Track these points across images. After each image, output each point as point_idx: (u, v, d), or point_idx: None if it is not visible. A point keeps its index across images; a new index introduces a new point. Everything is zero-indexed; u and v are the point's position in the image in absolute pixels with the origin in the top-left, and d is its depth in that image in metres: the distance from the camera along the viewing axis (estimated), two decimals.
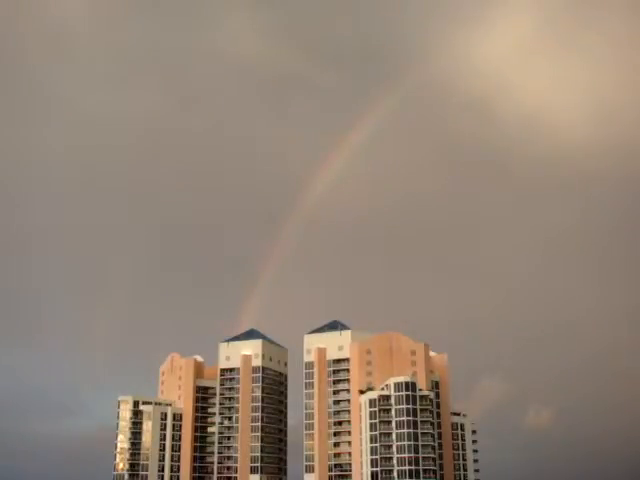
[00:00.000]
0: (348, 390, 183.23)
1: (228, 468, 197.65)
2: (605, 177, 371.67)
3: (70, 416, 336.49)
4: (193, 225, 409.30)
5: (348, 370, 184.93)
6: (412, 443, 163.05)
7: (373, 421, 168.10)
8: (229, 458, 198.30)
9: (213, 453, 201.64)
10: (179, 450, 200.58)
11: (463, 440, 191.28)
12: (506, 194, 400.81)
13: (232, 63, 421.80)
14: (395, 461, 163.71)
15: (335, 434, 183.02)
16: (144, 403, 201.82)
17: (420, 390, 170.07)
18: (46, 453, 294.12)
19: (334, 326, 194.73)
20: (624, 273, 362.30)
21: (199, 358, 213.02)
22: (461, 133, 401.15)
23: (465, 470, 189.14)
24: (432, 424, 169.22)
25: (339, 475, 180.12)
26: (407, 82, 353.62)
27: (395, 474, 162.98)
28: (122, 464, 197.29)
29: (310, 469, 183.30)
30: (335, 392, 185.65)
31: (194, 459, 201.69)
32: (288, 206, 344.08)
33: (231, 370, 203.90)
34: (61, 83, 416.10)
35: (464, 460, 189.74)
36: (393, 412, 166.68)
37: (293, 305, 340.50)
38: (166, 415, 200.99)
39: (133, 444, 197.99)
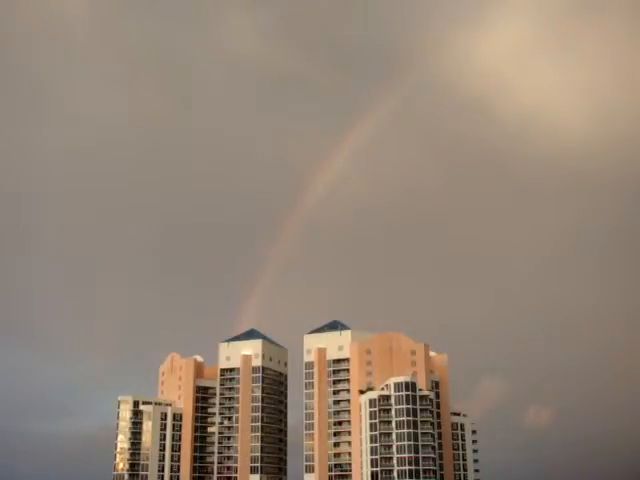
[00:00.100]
0: (348, 390, 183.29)
1: (228, 468, 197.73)
2: (604, 177, 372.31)
3: (70, 416, 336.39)
4: (193, 225, 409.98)
5: (348, 370, 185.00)
6: (412, 443, 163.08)
7: (373, 421, 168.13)
8: (229, 458, 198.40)
9: (213, 453, 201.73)
10: (179, 450, 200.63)
11: (463, 440, 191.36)
12: (505, 194, 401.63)
13: (232, 63, 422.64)
14: (395, 461, 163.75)
15: (335, 434, 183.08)
16: (144, 403, 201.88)
17: (420, 390, 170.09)
18: (46, 453, 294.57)
19: (334, 326, 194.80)
20: (623, 273, 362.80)
21: (199, 358, 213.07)
22: (461, 133, 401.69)
23: (465, 470, 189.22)
24: (432, 424, 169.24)
25: (339, 475, 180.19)
26: (407, 82, 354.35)
27: (395, 474, 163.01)
28: (122, 464, 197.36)
29: (310, 469, 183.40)
30: (335, 392, 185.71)
31: (194, 459, 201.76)
32: (288, 206, 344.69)
33: (231, 370, 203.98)
34: (61, 83, 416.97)
35: (464, 460, 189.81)
36: (393, 412, 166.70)
37: (293, 305, 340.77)
38: (166, 415, 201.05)
39: (133, 444, 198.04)
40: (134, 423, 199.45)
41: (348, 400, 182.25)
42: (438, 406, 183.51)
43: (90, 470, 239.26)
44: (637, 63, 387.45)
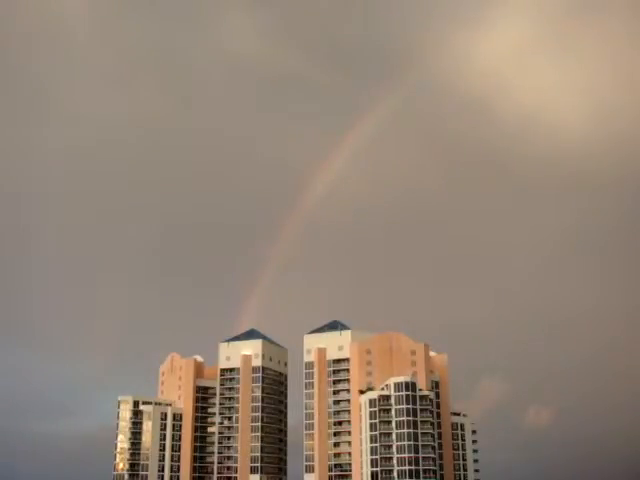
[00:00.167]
0: (348, 390, 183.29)
1: (228, 468, 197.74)
2: (604, 177, 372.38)
3: (70, 416, 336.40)
4: (193, 225, 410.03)
5: (348, 370, 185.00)
6: (412, 443, 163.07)
7: (373, 421, 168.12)
8: (229, 458, 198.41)
9: (213, 453, 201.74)
10: (179, 450, 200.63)
11: (463, 440, 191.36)
12: (505, 194, 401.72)
13: (232, 63, 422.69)
14: (395, 461, 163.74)
15: (335, 434, 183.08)
16: (144, 403, 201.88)
17: (420, 390, 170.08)
18: (46, 453, 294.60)
19: (334, 326, 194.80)
20: (623, 273, 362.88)
21: (199, 358, 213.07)
22: (461, 133, 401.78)
23: (465, 470, 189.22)
24: (432, 424, 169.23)
25: (339, 475, 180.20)
26: (407, 82, 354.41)
27: (395, 474, 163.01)
28: (122, 464, 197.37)
29: (310, 469, 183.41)
30: (335, 392, 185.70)
31: (194, 459, 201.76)
32: (288, 206, 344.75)
33: (231, 370, 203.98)
34: (61, 83, 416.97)
35: (464, 460, 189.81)
36: (393, 412, 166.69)
37: (293, 305, 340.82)
38: (166, 415, 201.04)
39: (133, 444, 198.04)
40: (134, 423, 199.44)
41: (348, 400, 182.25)
42: (438, 406, 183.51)
43: (90, 470, 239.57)
44: (637, 63, 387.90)
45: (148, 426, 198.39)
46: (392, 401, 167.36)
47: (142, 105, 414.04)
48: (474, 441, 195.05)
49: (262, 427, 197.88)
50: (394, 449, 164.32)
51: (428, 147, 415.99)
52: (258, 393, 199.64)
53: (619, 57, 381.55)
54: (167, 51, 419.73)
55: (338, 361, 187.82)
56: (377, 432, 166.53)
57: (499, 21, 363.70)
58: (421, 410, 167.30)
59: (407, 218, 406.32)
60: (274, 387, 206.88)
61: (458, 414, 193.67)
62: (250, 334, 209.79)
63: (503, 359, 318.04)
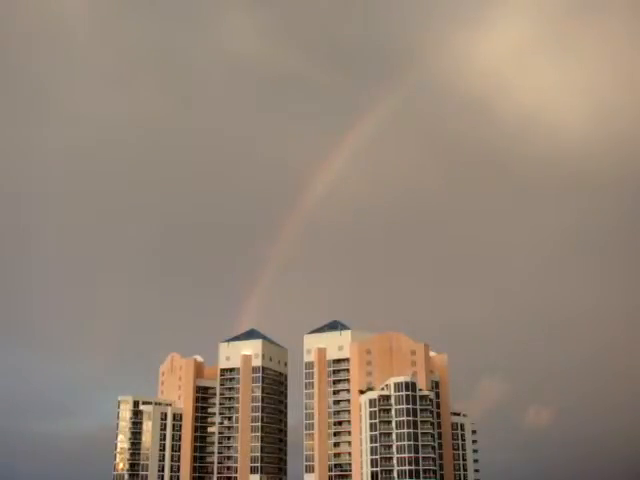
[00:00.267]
0: (348, 390, 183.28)
1: (228, 468, 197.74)
2: (604, 177, 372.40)
3: (70, 416, 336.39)
4: (193, 225, 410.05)
5: (348, 370, 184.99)
6: (412, 443, 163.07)
7: (373, 421, 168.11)
8: (229, 458, 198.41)
9: (213, 453, 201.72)
10: (179, 450, 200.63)
11: (463, 440, 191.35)
12: (505, 194, 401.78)
13: (232, 63, 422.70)
14: (395, 461, 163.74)
15: (335, 434, 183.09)
16: (144, 403, 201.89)
17: (420, 390, 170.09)
18: (46, 453, 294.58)
19: (334, 326, 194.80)
20: (623, 273, 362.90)
21: (199, 358, 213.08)
22: (461, 133, 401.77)
23: (465, 470, 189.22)
24: (432, 424, 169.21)
25: (339, 475, 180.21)
26: (407, 82, 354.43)
27: (395, 474, 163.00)
28: (122, 464, 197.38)
29: (310, 469, 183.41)
30: (335, 392, 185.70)
31: (194, 459, 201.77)
32: (288, 206, 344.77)
33: (231, 370, 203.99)
34: (61, 83, 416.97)
35: (464, 460, 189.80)
36: (393, 412, 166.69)
37: (293, 305, 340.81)
38: (166, 415, 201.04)
39: (133, 444, 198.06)
40: (134, 423, 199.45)
41: (348, 400, 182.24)
42: (438, 406, 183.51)
43: (90, 470, 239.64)
44: (637, 63, 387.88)
45: (148, 426, 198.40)
46: (392, 401, 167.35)
47: (142, 105, 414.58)
48: (474, 441, 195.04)
49: (262, 427, 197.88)
50: (394, 449, 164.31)
51: (428, 147, 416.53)
52: (258, 393, 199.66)
53: (619, 57, 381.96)
54: (167, 51, 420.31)
55: (338, 361, 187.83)
56: (377, 432, 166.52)
57: (499, 21, 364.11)
58: (421, 410, 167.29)
59: (407, 218, 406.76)
60: (274, 387, 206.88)
61: (458, 414, 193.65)
62: (250, 334, 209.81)
63: (503, 359, 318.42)
